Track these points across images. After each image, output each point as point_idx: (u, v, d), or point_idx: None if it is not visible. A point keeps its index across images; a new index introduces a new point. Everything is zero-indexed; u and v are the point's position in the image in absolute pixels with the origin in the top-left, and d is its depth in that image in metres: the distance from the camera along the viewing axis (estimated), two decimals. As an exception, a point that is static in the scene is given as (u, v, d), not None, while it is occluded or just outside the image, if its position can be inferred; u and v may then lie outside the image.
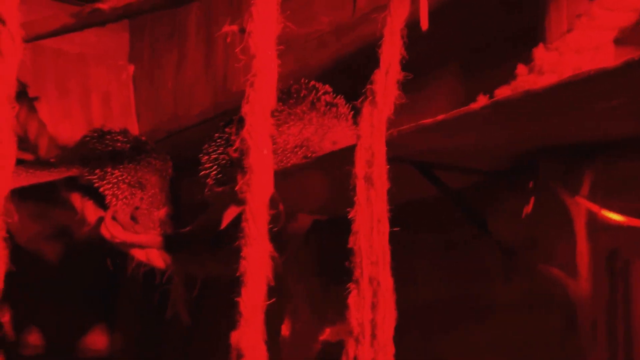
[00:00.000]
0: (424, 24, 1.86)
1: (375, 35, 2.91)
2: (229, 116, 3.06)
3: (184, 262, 2.99)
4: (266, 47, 1.58)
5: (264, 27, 1.58)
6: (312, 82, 2.76)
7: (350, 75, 2.90)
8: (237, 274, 1.60)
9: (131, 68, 4.40)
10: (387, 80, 2.07)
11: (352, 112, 2.72)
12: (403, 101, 2.23)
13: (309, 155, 2.61)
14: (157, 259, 2.98)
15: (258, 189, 1.57)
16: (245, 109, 1.58)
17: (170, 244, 2.99)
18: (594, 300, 2.17)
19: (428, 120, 1.96)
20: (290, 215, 3.05)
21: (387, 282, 1.98)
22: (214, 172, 2.83)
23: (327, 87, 2.75)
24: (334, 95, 2.74)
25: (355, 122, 2.64)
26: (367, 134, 2.05)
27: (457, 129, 1.96)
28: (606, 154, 2.15)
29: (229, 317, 3.25)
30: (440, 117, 1.94)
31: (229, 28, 1.82)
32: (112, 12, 2.68)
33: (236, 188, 1.58)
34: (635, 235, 2.11)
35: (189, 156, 3.32)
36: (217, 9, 3.97)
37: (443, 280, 2.47)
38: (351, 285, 1.98)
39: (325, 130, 2.67)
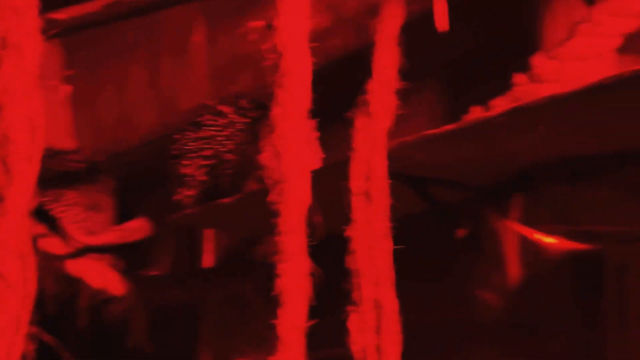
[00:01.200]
0: (443, 25, 1.75)
1: (342, 47, 2.81)
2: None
3: (145, 287, 2.82)
4: (297, 43, 1.44)
5: (294, 21, 1.44)
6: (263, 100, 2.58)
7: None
8: (273, 294, 1.45)
9: (66, 88, 4.20)
10: (384, 88, 1.96)
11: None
12: (402, 112, 2.12)
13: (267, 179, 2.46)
14: (115, 283, 2.80)
15: (294, 198, 1.43)
16: (276, 112, 1.44)
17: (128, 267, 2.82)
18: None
19: (435, 130, 1.85)
20: (258, 238, 2.91)
21: (391, 304, 1.86)
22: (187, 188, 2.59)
23: None
24: None
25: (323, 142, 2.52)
26: (363, 147, 1.93)
27: (468, 139, 1.84)
28: (537, 176, 2.10)
29: (188, 345, 3.10)
30: (449, 126, 1.82)
31: (255, 24, 1.68)
32: (70, 21, 2.52)
33: (268, 199, 1.44)
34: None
35: (134, 178, 3.15)
36: (162, 26, 3.82)
37: (434, 301, 2.35)
38: (350, 309, 1.86)
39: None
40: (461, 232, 2.24)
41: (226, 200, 2.32)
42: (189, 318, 2.98)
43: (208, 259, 3.12)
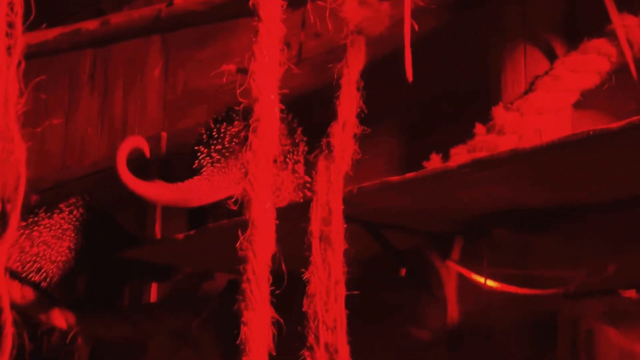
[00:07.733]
0: (409, 75, 1.76)
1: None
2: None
3: (89, 322, 2.76)
4: (269, 90, 1.43)
5: (268, 68, 1.43)
6: None
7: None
8: (237, 342, 1.43)
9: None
10: (344, 133, 1.96)
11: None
12: (359, 157, 2.13)
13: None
14: (58, 318, 2.74)
15: (261, 246, 1.42)
16: (248, 157, 1.43)
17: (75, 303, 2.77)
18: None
19: (395, 178, 1.85)
20: (206, 275, 2.88)
21: (344, 349, 1.86)
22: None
23: None
24: None
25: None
26: (324, 190, 1.93)
27: (428, 188, 1.85)
28: (489, 223, 2.11)
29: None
30: (409, 175, 1.83)
31: (227, 67, 1.67)
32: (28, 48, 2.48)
33: (237, 245, 1.42)
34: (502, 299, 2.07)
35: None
36: (115, 56, 3.80)
37: (386, 345, 2.34)
38: (305, 353, 1.85)
39: None
40: (408, 274, 2.24)
41: (181, 235, 2.29)
42: (133, 353, 2.93)
43: (152, 293, 3.08)
